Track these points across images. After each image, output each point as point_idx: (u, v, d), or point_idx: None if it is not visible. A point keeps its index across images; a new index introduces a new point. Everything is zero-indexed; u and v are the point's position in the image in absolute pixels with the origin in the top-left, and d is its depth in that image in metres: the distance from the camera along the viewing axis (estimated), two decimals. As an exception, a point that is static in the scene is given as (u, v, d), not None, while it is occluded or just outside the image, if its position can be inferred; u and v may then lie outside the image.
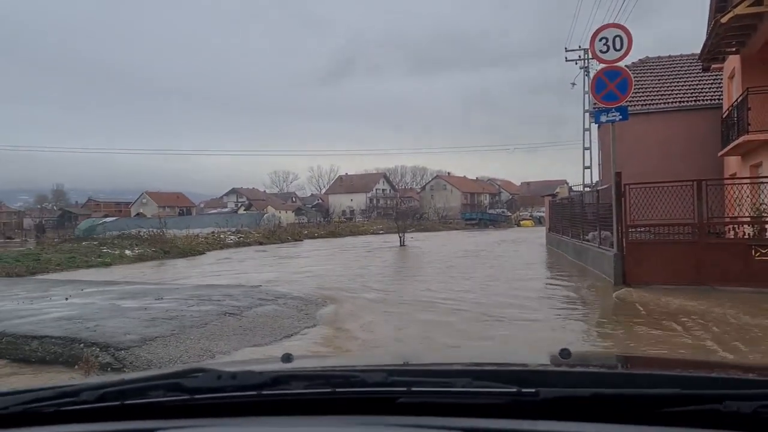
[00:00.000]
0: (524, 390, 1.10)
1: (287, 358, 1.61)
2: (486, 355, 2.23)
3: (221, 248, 30.38)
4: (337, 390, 1.17)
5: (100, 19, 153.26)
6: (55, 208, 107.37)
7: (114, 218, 52.33)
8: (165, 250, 24.87)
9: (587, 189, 27.50)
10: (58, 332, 7.66)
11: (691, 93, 22.07)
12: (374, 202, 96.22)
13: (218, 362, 6.16)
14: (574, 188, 34.52)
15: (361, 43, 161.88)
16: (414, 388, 1.15)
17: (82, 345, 7.11)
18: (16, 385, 1.52)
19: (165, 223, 31.92)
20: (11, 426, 1.09)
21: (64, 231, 54.68)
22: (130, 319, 8.59)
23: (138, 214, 79.33)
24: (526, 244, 28.88)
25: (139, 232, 28.12)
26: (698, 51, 18.13)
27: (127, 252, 23.31)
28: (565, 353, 1.48)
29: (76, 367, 6.78)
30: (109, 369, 6.54)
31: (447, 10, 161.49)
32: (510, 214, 79.37)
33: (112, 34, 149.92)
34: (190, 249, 26.64)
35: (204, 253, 26.71)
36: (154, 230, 28.09)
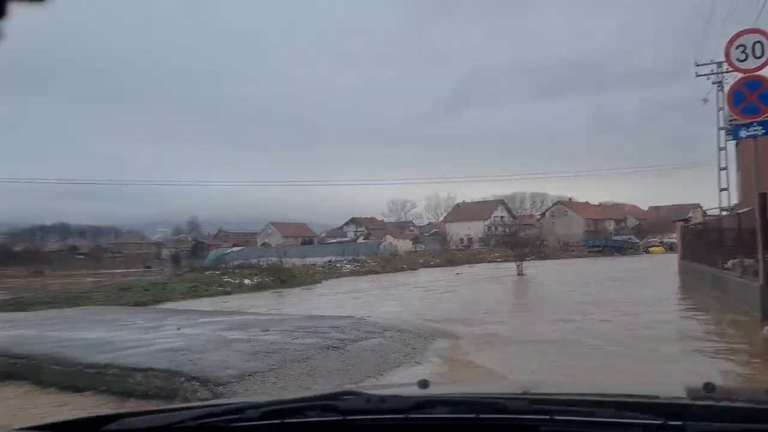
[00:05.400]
0: (670, 423, 1.11)
1: (423, 384, 1.56)
2: (627, 387, 2.02)
3: (337, 277, 30.62)
4: (480, 416, 1.20)
5: (225, 60, 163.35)
6: (189, 239, 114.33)
7: (240, 248, 54.64)
8: (282, 279, 25.35)
9: (724, 212, 25.20)
10: (163, 364, 7.61)
11: None
12: (492, 229, 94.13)
13: (365, 386, 5.79)
14: (709, 212, 32.00)
15: (481, 71, 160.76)
16: (557, 417, 1.15)
17: (182, 379, 7.00)
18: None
19: (285, 252, 32.69)
20: None
21: (196, 260, 57.75)
22: (234, 351, 8.46)
23: (263, 244, 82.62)
24: (656, 272, 26.81)
25: (259, 261, 28.89)
26: None
27: (246, 281, 23.95)
28: (709, 387, 1.42)
29: (175, 402, 6.66)
30: (207, 405, 6.35)
31: (569, 34, 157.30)
32: (638, 240, 74.97)
33: (242, 75, 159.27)
34: (307, 278, 27.04)
35: (320, 282, 26.99)
36: (274, 260, 28.74)
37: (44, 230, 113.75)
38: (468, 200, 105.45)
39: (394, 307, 15.89)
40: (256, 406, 1.30)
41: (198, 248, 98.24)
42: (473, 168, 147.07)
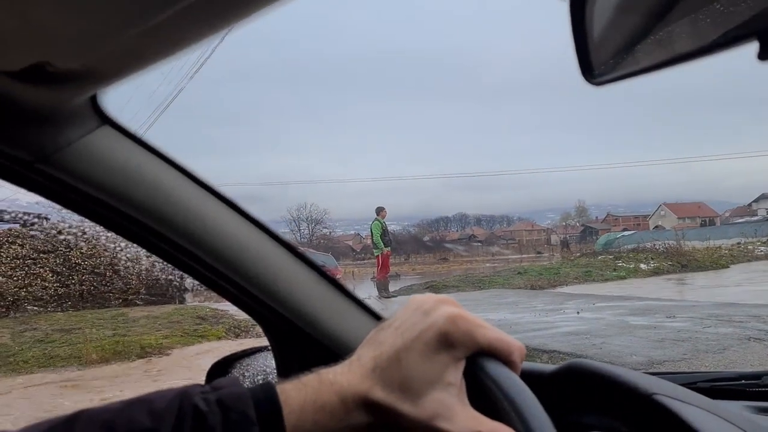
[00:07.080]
0: None
1: None
2: None
3: (748, 261, 27.08)
4: None
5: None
6: (577, 224, 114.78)
7: (631, 232, 52.52)
8: (682, 263, 23.43)
9: None
10: (566, 348, 7.76)
11: None
12: None
13: None
14: None
15: None
16: None
17: (587, 363, 7.00)
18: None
19: (683, 235, 30.24)
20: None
21: (585, 245, 57.56)
22: (638, 338, 8.15)
23: (656, 227, 78.02)
24: None
25: (654, 245, 27.22)
26: None
27: (642, 266, 22.77)
28: None
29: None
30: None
31: None
32: None
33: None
34: (711, 262, 24.50)
35: (727, 267, 24.20)
36: (671, 243, 26.78)
37: (446, 221, 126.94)
38: None
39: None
40: None
41: (586, 233, 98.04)
42: None
